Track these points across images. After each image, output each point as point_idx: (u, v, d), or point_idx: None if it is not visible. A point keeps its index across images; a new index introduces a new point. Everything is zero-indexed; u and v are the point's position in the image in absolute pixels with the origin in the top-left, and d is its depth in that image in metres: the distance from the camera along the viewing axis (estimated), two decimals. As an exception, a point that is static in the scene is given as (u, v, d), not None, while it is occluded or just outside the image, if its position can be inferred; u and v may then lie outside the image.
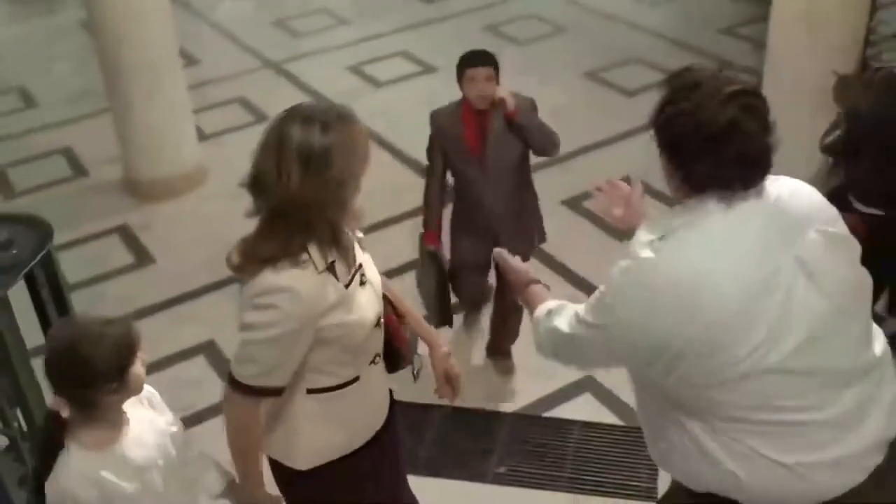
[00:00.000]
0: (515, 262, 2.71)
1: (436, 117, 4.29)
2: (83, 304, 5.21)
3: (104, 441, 2.43)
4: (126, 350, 2.37)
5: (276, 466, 2.68)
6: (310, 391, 2.51)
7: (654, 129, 2.13)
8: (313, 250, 2.33)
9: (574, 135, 6.69)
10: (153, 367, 4.88)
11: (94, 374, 2.32)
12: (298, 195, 2.25)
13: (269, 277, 2.30)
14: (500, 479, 4.03)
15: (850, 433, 2.15)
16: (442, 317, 4.43)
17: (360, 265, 2.51)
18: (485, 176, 4.11)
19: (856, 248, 2.24)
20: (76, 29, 8.98)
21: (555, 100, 7.20)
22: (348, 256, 2.44)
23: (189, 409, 4.47)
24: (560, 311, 2.40)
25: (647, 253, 2.09)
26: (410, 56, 8.15)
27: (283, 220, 2.30)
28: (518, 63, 7.89)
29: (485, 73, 4.04)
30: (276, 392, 2.46)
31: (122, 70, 5.93)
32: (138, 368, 2.42)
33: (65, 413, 2.36)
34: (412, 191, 6.19)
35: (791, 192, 2.18)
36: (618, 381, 4.29)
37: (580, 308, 2.31)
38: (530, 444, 4.18)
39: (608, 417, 4.28)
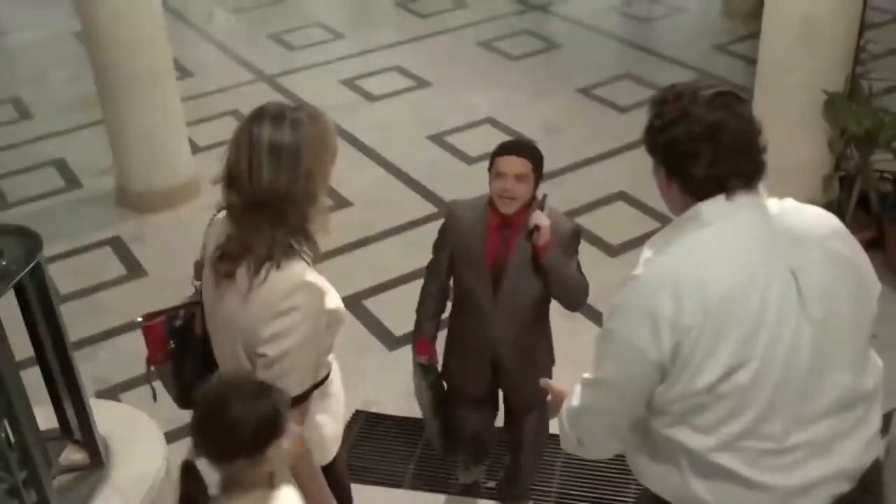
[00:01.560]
0: (559, 387, 2.58)
1: (455, 210, 3.44)
2: (76, 315, 5.21)
3: None
4: (268, 429, 2.18)
5: None
6: (316, 386, 2.52)
7: (647, 146, 2.17)
8: (295, 244, 2.38)
9: (566, 150, 6.72)
10: (147, 379, 4.90)
11: (232, 446, 2.15)
12: (270, 188, 2.30)
13: (280, 280, 2.32)
14: (488, 494, 4.02)
15: (817, 460, 2.14)
16: (448, 444, 3.77)
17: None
18: (496, 302, 3.32)
19: (860, 269, 2.21)
20: (70, 39, 9.00)
21: (547, 115, 7.25)
22: (316, 248, 2.47)
23: (181, 421, 4.46)
24: (571, 395, 2.36)
25: (638, 271, 2.13)
26: (404, 71, 8.16)
27: (259, 211, 2.33)
28: (511, 79, 7.95)
29: (517, 167, 3.16)
30: (315, 387, 2.48)
31: (115, 81, 5.93)
32: (283, 447, 2.24)
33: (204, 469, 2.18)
34: (406, 205, 6.24)
35: (795, 208, 2.20)
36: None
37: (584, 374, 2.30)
38: (519, 459, 4.16)
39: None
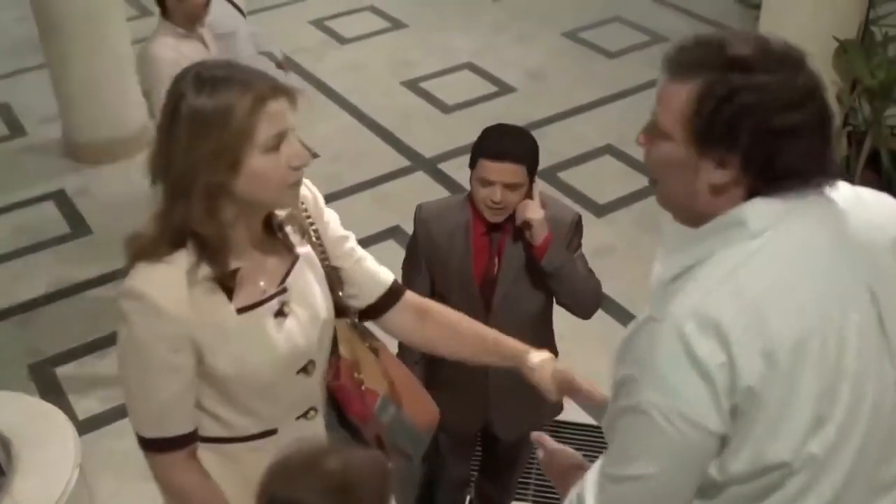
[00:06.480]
0: (556, 448, 1.98)
1: (426, 216, 2.76)
2: (13, 277, 4.90)
3: None
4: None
5: None
6: (204, 439, 1.98)
7: (704, 125, 1.50)
8: (193, 248, 1.80)
9: (550, 99, 6.40)
10: (87, 349, 4.61)
11: None
12: (167, 154, 1.76)
13: (132, 271, 1.80)
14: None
15: None
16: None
17: (285, 290, 1.93)
18: (487, 323, 2.51)
19: None
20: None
21: (531, 61, 6.91)
22: (260, 271, 1.90)
23: (114, 401, 4.06)
24: (584, 486, 1.69)
25: (662, 307, 1.54)
26: (379, 11, 7.72)
27: (167, 192, 1.77)
28: (493, 20, 7.54)
29: (509, 176, 2.53)
30: (187, 440, 1.92)
31: (57, 20, 5.42)
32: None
33: None
34: (376, 156, 5.89)
35: (853, 197, 1.65)
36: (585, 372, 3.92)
37: (597, 464, 1.66)
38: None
39: (578, 415, 3.86)
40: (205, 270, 1.80)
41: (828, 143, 1.53)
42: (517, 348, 2.22)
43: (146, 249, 1.78)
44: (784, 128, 1.46)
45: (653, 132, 1.59)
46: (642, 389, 1.50)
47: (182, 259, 1.78)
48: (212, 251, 1.79)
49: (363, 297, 2.16)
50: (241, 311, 1.85)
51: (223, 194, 1.76)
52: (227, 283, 1.83)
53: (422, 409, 2.30)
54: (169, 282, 1.77)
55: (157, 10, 4.30)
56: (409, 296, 2.23)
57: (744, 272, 1.50)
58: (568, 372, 2.15)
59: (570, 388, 2.15)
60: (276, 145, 1.77)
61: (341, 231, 2.12)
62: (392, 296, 2.19)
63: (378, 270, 2.19)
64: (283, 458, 1.63)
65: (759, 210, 1.51)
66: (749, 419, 1.48)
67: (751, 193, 1.52)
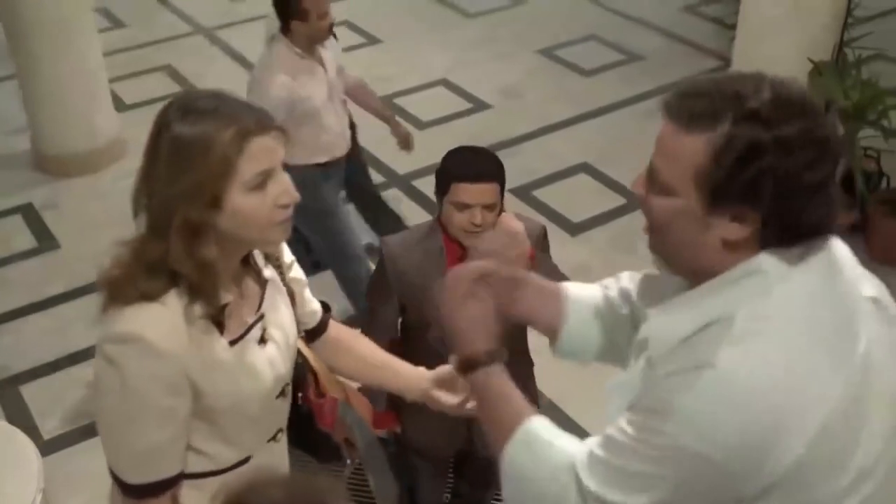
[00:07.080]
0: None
1: (393, 251, 2.69)
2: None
3: None
4: None
5: None
6: (186, 476, 1.90)
7: (714, 182, 1.40)
8: (183, 290, 1.72)
9: (525, 116, 6.36)
10: (54, 367, 4.51)
11: None
12: (148, 184, 1.70)
13: (118, 314, 1.72)
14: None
15: None
16: None
17: (262, 316, 1.89)
18: None
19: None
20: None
21: (506, 78, 6.87)
22: (241, 301, 1.85)
23: (88, 417, 3.99)
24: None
25: (691, 358, 1.43)
26: (353, 25, 7.63)
27: (147, 225, 1.72)
28: (469, 37, 7.50)
29: (488, 193, 2.52)
30: (172, 483, 1.85)
31: (25, 27, 5.32)
32: None
33: None
34: (349, 173, 5.78)
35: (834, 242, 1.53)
36: (561, 392, 3.89)
37: (584, 473, 1.49)
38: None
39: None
40: (198, 309, 1.73)
41: (837, 190, 1.46)
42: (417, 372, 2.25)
43: (125, 289, 1.70)
44: (810, 184, 1.38)
45: (653, 184, 1.49)
46: (689, 433, 1.39)
47: (174, 299, 1.71)
48: (204, 289, 1.72)
49: (304, 323, 2.16)
50: (232, 343, 1.81)
51: (205, 231, 1.69)
52: (218, 318, 1.78)
53: (364, 406, 2.39)
54: (164, 322, 1.70)
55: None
56: (332, 327, 2.25)
57: (780, 327, 1.41)
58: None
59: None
60: (261, 183, 1.69)
61: (291, 255, 2.10)
62: (322, 326, 2.21)
63: (314, 299, 2.20)
64: (227, 486, 1.58)
65: (775, 260, 1.43)
66: (794, 479, 1.39)
67: (765, 244, 1.43)
